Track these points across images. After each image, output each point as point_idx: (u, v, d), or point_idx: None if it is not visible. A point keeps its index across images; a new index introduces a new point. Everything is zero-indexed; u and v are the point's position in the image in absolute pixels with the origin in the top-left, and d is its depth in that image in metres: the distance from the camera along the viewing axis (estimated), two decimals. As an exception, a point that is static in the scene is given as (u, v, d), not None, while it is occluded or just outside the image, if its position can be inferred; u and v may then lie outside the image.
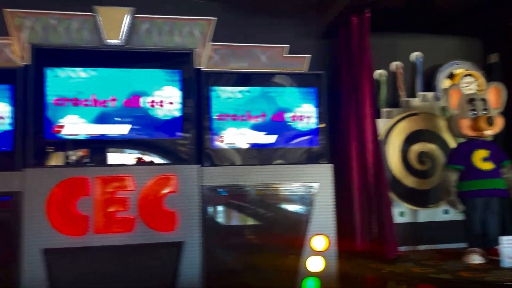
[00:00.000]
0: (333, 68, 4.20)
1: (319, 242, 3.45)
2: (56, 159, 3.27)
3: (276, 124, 3.60)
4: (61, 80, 3.30)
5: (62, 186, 3.10)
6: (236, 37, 3.79)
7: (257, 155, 3.57)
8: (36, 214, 3.06)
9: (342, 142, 3.97)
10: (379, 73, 4.36)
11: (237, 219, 3.56)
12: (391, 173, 4.10)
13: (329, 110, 3.78)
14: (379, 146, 3.74)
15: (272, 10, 4.14)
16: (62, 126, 3.26)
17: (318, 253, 3.43)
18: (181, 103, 3.45)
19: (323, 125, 3.66)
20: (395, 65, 4.42)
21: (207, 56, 3.58)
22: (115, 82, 3.37)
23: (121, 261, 3.16)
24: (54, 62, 3.31)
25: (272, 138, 3.58)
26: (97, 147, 3.34)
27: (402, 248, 3.76)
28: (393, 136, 4.17)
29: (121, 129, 3.35)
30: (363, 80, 3.78)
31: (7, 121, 3.23)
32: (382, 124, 4.13)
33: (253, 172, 3.44)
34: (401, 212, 4.09)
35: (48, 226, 3.06)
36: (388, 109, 4.26)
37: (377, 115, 4.13)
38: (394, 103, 4.36)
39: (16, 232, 3.06)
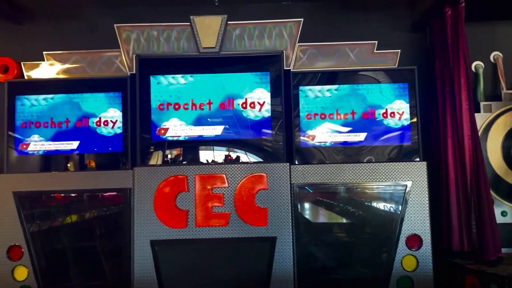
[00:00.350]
0: (425, 62, 4.06)
1: (413, 241, 3.38)
2: (160, 159, 3.58)
3: (366, 121, 3.59)
4: (163, 86, 3.61)
5: (167, 183, 3.41)
6: (324, 36, 3.85)
7: (347, 153, 3.59)
8: (144, 208, 3.40)
9: (437, 138, 3.82)
10: (476, 64, 4.12)
11: (327, 216, 3.60)
12: (492, 170, 3.86)
13: (421, 106, 3.67)
14: (477, 142, 3.54)
15: (359, 6, 4.11)
16: (165, 129, 3.57)
17: (412, 252, 3.36)
18: (271, 104, 3.58)
19: (415, 121, 3.56)
20: (494, 55, 4.14)
21: (296, 57, 3.67)
22: (210, 87, 3.61)
23: (219, 253, 3.38)
24: (156, 70, 3.63)
25: (362, 136, 3.58)
26: (196, 147, 3.60)
27: (504, 250, 3.53)
28: (494, 131, 3.91)
29: (216, 130, 3.57)
30: (459, 72, 3.59)
31: (118, 124, 3.62)
32: (481, 119, 3.90)
33: (342, 170, 3.47)
34: (503, 212, 3.83)
35: (155, 219, 3.38)
36: (487, 102, 4.00)
37: (476, 109, 3.92)
38: (494, 96, 4.09)
39: (128, 224, 3.43)
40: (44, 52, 3.78)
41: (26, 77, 3.78)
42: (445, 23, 3.69)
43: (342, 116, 3.60)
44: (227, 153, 3.61)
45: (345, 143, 3.59)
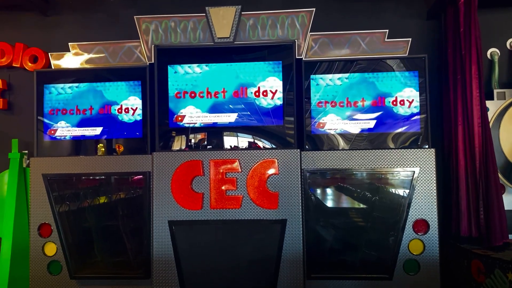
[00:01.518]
0: (437, 50, 4.08)
1: (420, 225, 3.48)
2: (178, 144, 3.77)
3: (376, 109, 3.66)
4: (180, 75, 3.78)
5: (183, 167, 3.60)
6: (338, 25, 3.93)
7: (356, 139, 3.68)
8: (163, 190, 3.61)
9: (448, 126, 3.88)
10: (492, 52, 4.11)
11: (336, 200, 3.73)
12: (504, 158, 3.88)
13: (432, 94, 3.72)
14: (487, 130, 3.57)
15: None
16: (182, 116, 3.76)
17: (419, 236, 3.46)
18: (283, 92, 3.70)
19: (425, 109, 3.62)
20: (510, 42, 4.11)
21: (308, 46, 3.76)
22: (225, 75, 3.75)
23: (232, 234, 3.57)
24: (174, 60, 3.79)
25: (371, 123, 3.66)
26: (211, 133, 3.76)
27: (512, 237, 3.60)
28: (507, 118, 3.91)
29: (231, 118, 3.73)
30: (471, 60, 3.62)
31: (138, 112, 3.82)
32: (495, 106, 3.91)
33: (352, 157, 3.57)
34: (516, 199, 3.86)
35: (173, 201, 3.59)
36: (501, 90, 4.00)
37: (490, 96, 3.94)
38: (510, 83, 4.07)
39: (147, 205, 3.65)
40: (69, 43, 3.99)
41: (53, 67, 4.02)
42: (458, 10, 3.71)
43: (352, 104, 3.69)
44: (240, 139, 3.76)
45: (355, 130, 3.68)
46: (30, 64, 4.36)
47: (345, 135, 3.69)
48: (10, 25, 4.51)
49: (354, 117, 3.68)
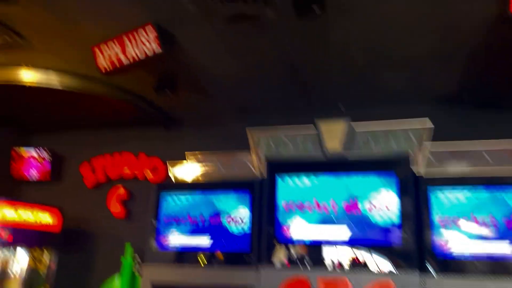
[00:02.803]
0: None
1: None
2: (284, 258, 3.59)
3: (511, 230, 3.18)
4: (289, 187, 3.75)
5: (289, 284, 3.38)
6: (455, 133, 3.65)
7: (493, 267, 3.14)
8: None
9: None
10: None
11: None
12: None
13: None
14: None
15: (494, 105, 3.87)
16: (290, 229, 3.64)
17: None
18: (399, 208, 3.43)
19: None
20: None
21: (425, 159, 3.52)
22: (334, 188, 3.64)
23: None
24: (283, 172, 3.81)
25: (507, 248, 3.15)
26: (320, 249, 3.54)
27: None
28: None
29: (341, 233, 3.50)
30: None
31: (246, 222, 3.79)
32: None
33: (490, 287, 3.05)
34: None
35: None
36: None
37: None
38: None
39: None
40: (186, 152, 4.25)
41: (170, 174, 4.26)
42: None
43: (482, 223, 3.25)
44: (351, 257, 3.46)
45: (490, 255, 3.18)
46: (150, 174, 4.69)
47: (478, 260, 3.18)
48: (135, 138, 4.99)
49: (487, 238, 3.21)
